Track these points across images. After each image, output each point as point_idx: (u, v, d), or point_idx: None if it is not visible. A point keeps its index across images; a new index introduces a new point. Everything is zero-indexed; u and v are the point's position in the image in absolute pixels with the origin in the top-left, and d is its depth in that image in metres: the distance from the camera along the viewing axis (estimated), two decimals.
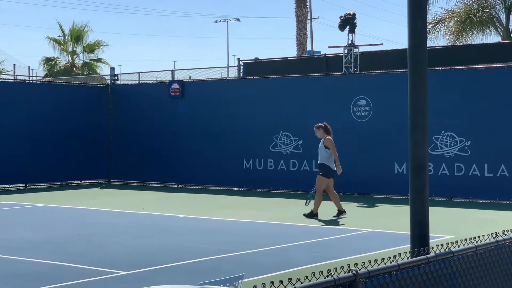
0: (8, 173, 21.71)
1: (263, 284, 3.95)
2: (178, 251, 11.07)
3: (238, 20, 74.61)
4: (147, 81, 26.82)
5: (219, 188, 21.49)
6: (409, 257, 5.20)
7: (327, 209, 15.27)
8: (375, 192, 19.22)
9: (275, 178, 20.63)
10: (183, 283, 7.96)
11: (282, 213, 15.95)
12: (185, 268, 9.74)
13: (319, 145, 15.20)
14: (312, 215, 14.83)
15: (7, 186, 22.02)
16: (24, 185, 22.31)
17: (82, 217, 15.55)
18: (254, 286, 3.91)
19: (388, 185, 18.92)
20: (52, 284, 8.75)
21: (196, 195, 20.10)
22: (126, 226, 14.13)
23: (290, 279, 4.10)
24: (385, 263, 4.77)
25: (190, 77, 26.60)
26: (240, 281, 4.70)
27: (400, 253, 5.13)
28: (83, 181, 23.79)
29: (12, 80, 25.58)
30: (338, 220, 14.66)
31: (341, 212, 14.94)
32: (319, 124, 15.42)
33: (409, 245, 6.22)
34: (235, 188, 21.39)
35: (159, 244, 11.72)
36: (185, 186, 22.35)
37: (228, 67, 37.11)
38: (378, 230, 13.22)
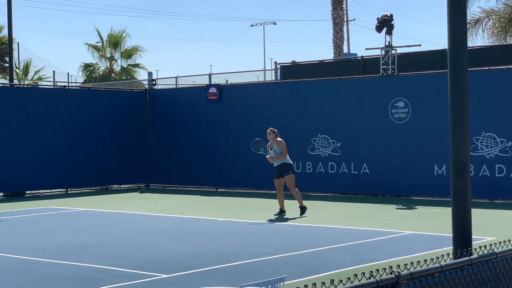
0: (50, 178, 22.01)
1: (306, 286, 3.97)
2: (218, 254, 11.11)
3: (274, 23, 74.80)
4: (184, 85, 26.97)
5: (257, 191, 21.52)
6: (452, 259, 5.17)
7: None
8: (414, 194, 19.09)
9: (313, 181, 20.60)
10: (224, 286, 7.99)
11: (321, 215, 15.92)
12: (225, 271, 9.78)
13: (273, 148, 15.69)
14: (283, 212, 15.60)
15: (49, 191, 22.32)
16: (65, 190, 22.59)
17: (122, 221, 15.70)
18: (297, 287, 3.92)
19: (427, 187, 18.77)
20: (95, 287, 8.85)
21: (235, 199, 20.16)
22: (165, 230, 14.23)
23: (332, 280, 4.11)
24: (427, 265, 4.75)
25: (227, 81, 26.69)
26: (281, 283, 4.72)
27: (443, 255, 5.10)
28: (122, 186, 24.00)
29: (52, 87, 25.91)
30: (278, 216, 15.41)
31: (282, 211, 15.63)
32: (273, 129, 15.97)
33: (451, 247, 6.18)
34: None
35: (199, 248, 11.78)
36: (223, 190, 22.42)
37: (264, 70, 37.15)
38: (419, 232, 13.13)
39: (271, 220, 15.10)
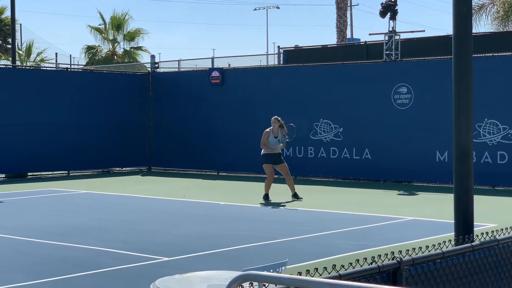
0: (51, 160, 22.03)
1: (308, 271, 3.97)
2: (219, 238, 11.13)
3: (278, 7, 74.54)
4: (187, 68, 26.92)
5: (259, 175, 21.49)
6: (453, 245, 5.18)
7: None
8: (415, 180, 19.10)
9: (315, 166, 20.61)
10: (224, 269, 8.00)
11: (322, 200, 15.93)
12: (226, 255, 9.80)
13: (278, 137, 15.87)
14: (267, 196, 15.78)
15: (51, 173, 22.35)
16: (66, 172, 22.62)
17: (124, 204, 15.72)
18: (299, 272, 3.93)
19: (429, 173, 18.78)
20: (96, 269, 8.89)
21: (236, 183, 20.18)
22: (167, 213, 14.26)
23: (334, 265, 4.12)
24: (429, 251, 4.76)
25: (229, 65, 26.65)
26: (283, 268, 4.73)
27: (445, 241, 5.11)
28: (124, 169, 24.03)
29: (54, 69, 25.89)
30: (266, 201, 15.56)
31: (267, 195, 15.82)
32: (278, 117, 16.08)
33: (452, 233, 6.19)
34: (275, 176, 21.36)
35: (200, 231, 11.80)
36: (225, 174, 22.44)
37: (267, 54, 37.09)
38: (420, 218, 13.14)
39: (272, 205, 15.12)
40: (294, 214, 13.95)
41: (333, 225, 12.30)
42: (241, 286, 3.58)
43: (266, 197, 15.71)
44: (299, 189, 16.35)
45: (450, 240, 5.12)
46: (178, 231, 11.84)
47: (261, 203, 15.28)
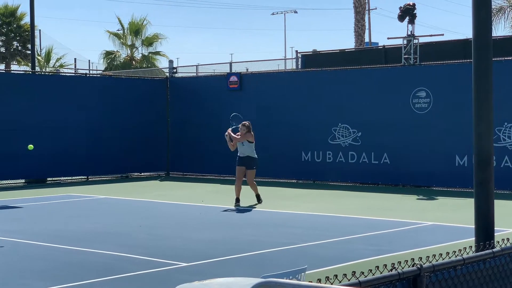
0: (71, 165, 22.12)
1: (327, 277, 3.95)
2: (238, 243, 11.11)
3: (295, 12, 74.51)
4: (205, 73, 26.97)
5: (277, 180, 21.51)
6: (474, 251, 5.13)
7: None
8: (435, 185, 19.00)
9: (333, 170, 20.55)
10: (244, 276, 7.98)
11: (341, 205, 15.88)
12: (245, 261, 9.78)
13: (243, 142, 15.98)
14: (239, 200, 15.80)
15: (70, 178, 22.45)
16: (85, 177, 22.71)
17: (142, 209, 15.75)
18: (318, 279, 3.90)
19: (448, 178, 18.67)
20: (115, 275, 8.89)
21: None
22: (185, 218, 14.26)
23: (353, 272, 4.09)
24: (449, 257, 4.72)
25: (247, 70, 26.66)
26: (303, 274, 4.70)
27: (465, 247, 5.06)
28: (142, 174, 24.09)
29: (73, 74, 26.00)
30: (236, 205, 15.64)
31: (239, 200, 15.85)
32: (246, 122, 16.13)
33: (471, 239, 6.14)
34: (293, 181, 21.39)
35: (219, 237, 11.79)
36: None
37: (285, 59, 37.08)
38: (439, 223, 13.06)
39: (291, 210, 15.08)
40: (312, 219, 13.90)
41: (352, 230, 12.24)
42: None
43: (236, 200, 15.87)
44: (317, 194, 16.28)
45: (470, 246, 5.08)
46: (197, 236, 11.84)
47: (289, 209, 15.22)
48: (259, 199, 16.10)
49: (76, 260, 9.90)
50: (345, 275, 4.01)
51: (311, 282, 4.42)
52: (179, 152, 23.94)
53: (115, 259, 9.93)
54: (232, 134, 16.07)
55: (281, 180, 21.41)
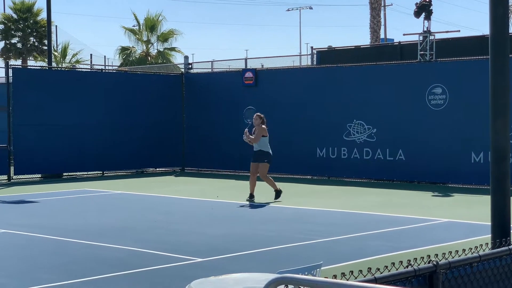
0: (86, 160, 22.23)
1: (343, 273, 3.96)
2: (253, 239, 11.13)
3: (311, 8, 74.41)
4: (220, 69, 27.00)
5: (292, 176, 21.51)
6: (490, 248, 5.12)
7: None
8: (450, 182, 18.93)
9: (348, 167, 20.54)
10: (259, 271, 8.00)
11: (356, 201, 15.87)
12: (260, 256, 9.80)
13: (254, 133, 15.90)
14: (253, 197, 15.79)
15: (85, 173, 22.56)
16: (101, 172, 22.80)
17: (158, 204, 15.80)
18: (334, 275, 3.91)
19: (464, 175, 18.61)
20: (131, 269, 8.93)
21: None
22: (201, 213, 14.29)
23: (369, 268, 4.09)
24: (466, 254, 4.71)
25: (262, 66, 26.66)
26: (318, 270, 4.72)
27: (481, 244, 5.05)
28: (157, 169, 24.16)
29: (89, 70, 26.10)
30: (249, 200, 15.64)
31: (252, 196, 15.82)
32: (261, 114, 16.12)
33: (487, 236, 6.12)
34: (308, 177, 21.37)
35: (234, 232, 11.81)
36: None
37: (300, 55, 37.04)
38: (455, 220, 13.02)
39: (306, 206, 15.08)
40: (327, 215, 13.90)
41: (367, 227, 12.24)
42: None
43: (250, 196, 15.85)
44: (332, 190, 16.28)
45: (486, 243, 5.07)
46: (212, 231, 11.87)
47: (304, 205, 15.23)
48: (277, 195, 15.95)
49: (91, 255, 9.96)
50: (360, 271, 4.02)
51: (327, 278, 4.43)
52: (194, 147, 23.99)
53: (130, 254, 9.98)
54: (249, 136, 15.93)
55: (296, 176, 21.42)
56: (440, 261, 4.44)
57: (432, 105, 19.12)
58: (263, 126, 15.94)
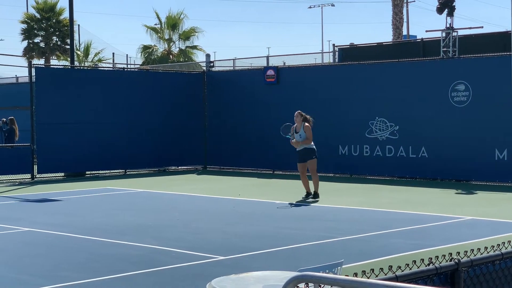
0: (109, 159, 22.33)
1: (363, 271, 3.93)
2: (274, 237, 11.12)
3: (333, 5, 74.17)
4: (242, 67, 27.01)
5: None
6: None
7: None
8: (474, 179, 18.80)
9: (370, 164, 20.46)
10: (280, 269, 7.99)
11: (378, 199, 15.80)
12: (281, 254, 9.78)
13: (299, 132, 15.68)
14: (309, 194, 15.72)
15: (108, 171, 22.66)
16: (123, 170, 22.89)
17: (180, 203, 15.84)
18: (354, 273, 3.89)
19: (488, 172, 18.46)
20: (153, 267, 8.95)
21: (291, 181, 20.12)
22: (222, 212, 14.30)
23: (390, 266, 4.06)
24: (488, 252, 4.66)
25: (284, 63, 26.64)
26: (339, 268, 4.69)
27: (504, 242, 5.00)
28: (180, 167, 24.21)
29: (111, 69, 26.21)
30: (305, 199, 15.65)
31: (309, 194, 15.80)
32: (301, 112, 15.89)
33: (511, 233, 6.06)
34: (330, 174, 21.31)
35: (256, 230, 11.81)
36: (280, 172, 22.44)
37: (322, 52, 36.96)
38: (478, 217, 12.92)
39: (327, 204, 15.04)
40: (350, 213, 13.86)
41: (389, 224, 12.18)
42: (297, 286, 3.56)
43: (305, 195, 15.72)
44: (354, 187, 16.24)
45: (509, 241, 5.01)
46: (234, 229, 11.87)
47: (326, 203, 15.20)
48: (316, 196, 15.74)
49: (113, 253, 10.00)
50: (381, 269, 3.99)
51: (347, 276, 4.41)
52: (216, 145, 24.01)
53: (152, 252, 10.00)
54: (297, 142, 15.74)
55: (319, 174, 21.31)
56: (462, 259, 4.40)
57: (455, 102, 18.99)
58: (306, 124, 15.74)
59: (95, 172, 22.52)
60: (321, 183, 18.65)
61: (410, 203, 15.07)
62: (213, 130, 24.14)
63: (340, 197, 16.24)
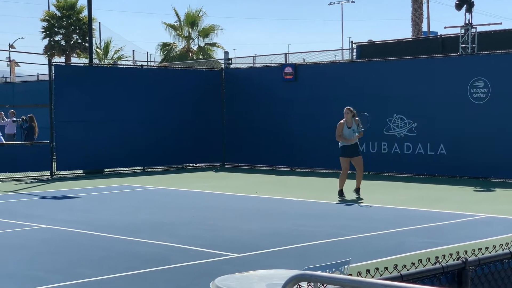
0: (127, 156, 22.41)
1: (367, 270, 3.92)
2: (289, 234, 11.11)
3: (353, 1, 73.92)
4: (260, 64, 27.01)
5: (332, 171, 21.41)
6: None
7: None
8: (493, 176, 18.67)
9: (388, 161, 20.38)
10: (292, 267, 7.98)
11: (396, 196, 15.74)
12: (295, 252, 9.77)
13: (352, 127, 15.41)
14: (342, 192, 15.44)
15: (126, 169, 22.75)
16: (142, 168, 22.97)
17: (197, 200, 15.86)
18: (358, 272, 3.88)
19: (507, 169, 18.32)
20: (167, 265, 8.98)
21: (309, 178, 20.13)
22: (239, 209, 14.31)
23: (395, 265, 4.05)
24: (496, 251, 4.63)
25: (304, 60, 26.62)
26: (346, 266, 4.68)
27: None
28: (198, 165, 24.26)
29: (130, 66, 26.31)
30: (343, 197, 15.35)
31: (359, 189, 15.54)
32: (350, 108, 15.62)
33: None
34: (348, 172, 21.21)
35: (271, 228, 11.80)
36: (298, 169, 22.42)
37: (342, 49, 36.85)
38: (496, 215, 12.83)
39: (345, 201, 15.01)
40: (367, 210, 13.82)
41: (406, 222, 12.13)
42: (299, 285, 3.56)
43: (340, 193, 15.43)
44: (372, 185, 16.19)
45: None
46: (249, 227, 11.87)
47: (338, 200, 15.17)
48: (358, 192, 15.54)
49: (129, 250, 10.04)
50: (386, 268, 3.98)
51: (351, 275, 4.39)
52: (234, 143, 24.03)
53: (167, 249, 10.03)
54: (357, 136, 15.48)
55: (336, 171, 21.27)
56: (469, 257, 4.37)
57: (474, 99, 18.86)
58: (357, 118, 15.56)
59: (114, 169, 22.62)
60: (337, 180, 18.61)
61: (427, 200, 15.00)
62: (231, 128, 24.16)
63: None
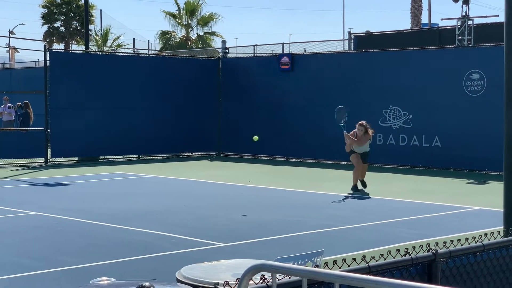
0: (122, 144, 22.40)
1: (335, 261, 3.91)
2: (279, 224, 11.11)
3: None
4: (258, 54, 26.96)
5: (327, 162, 21.43)
6: (502, 237, 5.02)
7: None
8: (487, 169, 18.65)
9: (383, 153, 20.35)
10: (279, 256, 8.00)
11: (389, 188, 15.74)
12: (283, 242, 9.77)
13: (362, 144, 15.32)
14: (356, 187, 15.19)
15: (121, 156, 22.75)
16: (137, 156, 22.97)
17: (190, 189, 15.87)
18: (325, 263, 3.88)
19: (501, 162, 18.21)
20: (154, 253, 8.98)
21: (304, 169, 20.12)
22: (231, 198, 14.32)
23: (363, 257, 4.05)
24: (469, 243, 4.63)
25: (305, 50, 26.56)
26: (319, 258, 4.67)
27: (493, 232, 4.97)
28: (193, 153, 24.25)
29: (127, 54, 26.25)
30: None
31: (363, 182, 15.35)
32: (363, 122, 15.52)
33: None
34: (343, 162, 21.22)
35: (261, 217, 11.81)
36: (293, 160, 22.41)
37: (343, 40, 36.76)
38: (486, 207, 12.83)
39: (337, 192, 15.00)
40: (359, 202, 13.82)
41: (397, 214, 12.14)
42: (263, 275, 3.55)
43: (354, 188, 15.11)
44: (366, 176, 16.11)
45: (492, 233, 4.97)
46: (239, 216, 11.87)
47: (336, 191, 15.16)
48: (364, 184, 15.33)
49: (116, 238, 10.04)
50: (354, 259, 3.98)
51: (318, 266, 4.40)
52: (230, 132, 24.01)
53: (156, 237, 10.04)
54: (350, 137, 15.30)
55: (331, 162, 21.32)
56: (440, 250, 4.37)
57: (469, 91, 18.84)
58: (369, 132, 15.36)
59: (109, 157, 22.61)
60: (332, 171, 18.68)
61: (421, 192, 15.00)
62: (227, 117, 24.13)
63: (350, 185, 16.16)
